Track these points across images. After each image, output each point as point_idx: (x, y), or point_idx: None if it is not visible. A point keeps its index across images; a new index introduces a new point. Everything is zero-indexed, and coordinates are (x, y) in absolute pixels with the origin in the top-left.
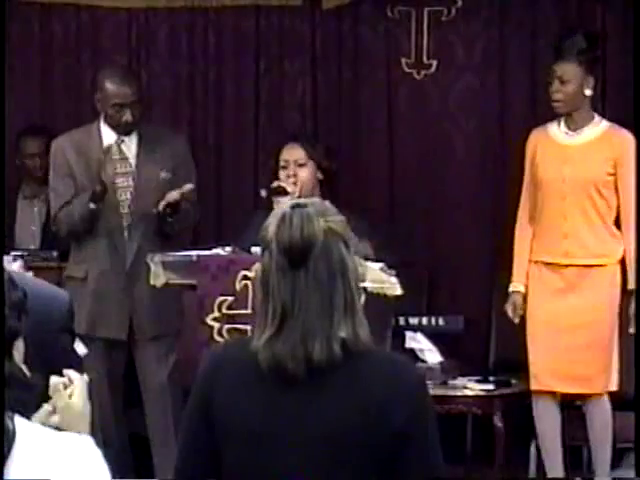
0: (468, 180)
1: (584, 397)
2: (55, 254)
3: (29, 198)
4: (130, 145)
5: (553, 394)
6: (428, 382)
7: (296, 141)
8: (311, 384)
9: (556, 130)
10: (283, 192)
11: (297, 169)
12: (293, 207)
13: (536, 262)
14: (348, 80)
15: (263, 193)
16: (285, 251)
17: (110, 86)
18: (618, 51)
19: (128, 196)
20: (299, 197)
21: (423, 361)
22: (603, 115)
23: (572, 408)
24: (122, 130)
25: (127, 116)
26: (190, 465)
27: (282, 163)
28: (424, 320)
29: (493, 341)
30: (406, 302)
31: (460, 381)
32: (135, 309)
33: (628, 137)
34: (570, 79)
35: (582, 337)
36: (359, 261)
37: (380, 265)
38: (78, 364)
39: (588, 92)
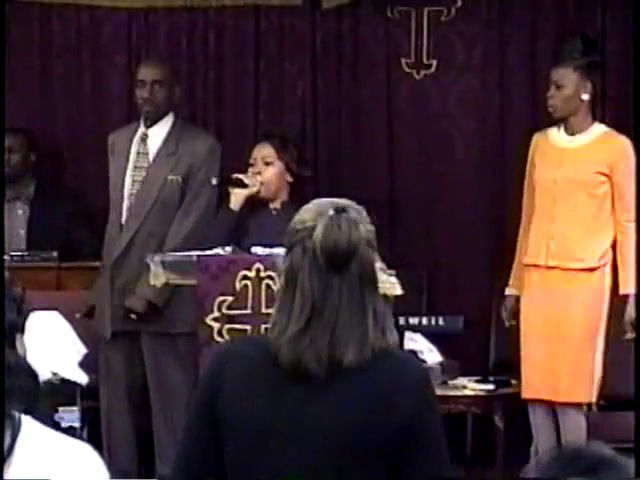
0: (468, 180)
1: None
2: (55, 254)
3: (11, 201)
4: (154, 141)
5: (543, 401)
6: None
7: (267, 140)
8: (321, 381)
9: (556, 134)
10: (240, 184)
11: (263, 167)
12: (338, 210)
13: (526, 265)
14: (348, 80)
15: (214, 181)
16: (329, 254)
17: (139, 68)
18: (618, 51)
19: (134, 191)
20: (258, 193)
21: (423, 361)
22: (603, 115)
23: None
24: (145, 113)
25: (144, 92)
26: (191, 462)
27: (251, 160)
28: (424, 320)
29: (493, 341)
30: (406, 302)
31: (460, 381)
32: (114, 302)
33: (624, 141)
34: (565, 84)
35: (562, 348)
36: None
37: (380, 265)
38: None
39: (585, 97)
